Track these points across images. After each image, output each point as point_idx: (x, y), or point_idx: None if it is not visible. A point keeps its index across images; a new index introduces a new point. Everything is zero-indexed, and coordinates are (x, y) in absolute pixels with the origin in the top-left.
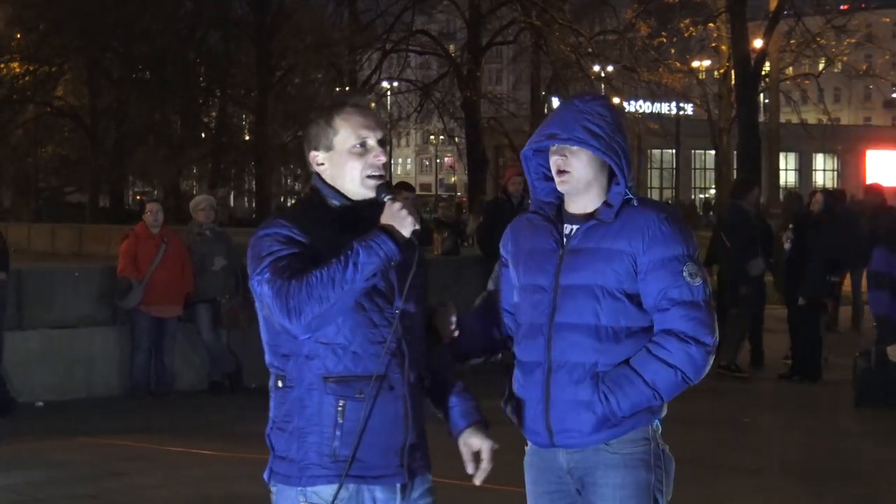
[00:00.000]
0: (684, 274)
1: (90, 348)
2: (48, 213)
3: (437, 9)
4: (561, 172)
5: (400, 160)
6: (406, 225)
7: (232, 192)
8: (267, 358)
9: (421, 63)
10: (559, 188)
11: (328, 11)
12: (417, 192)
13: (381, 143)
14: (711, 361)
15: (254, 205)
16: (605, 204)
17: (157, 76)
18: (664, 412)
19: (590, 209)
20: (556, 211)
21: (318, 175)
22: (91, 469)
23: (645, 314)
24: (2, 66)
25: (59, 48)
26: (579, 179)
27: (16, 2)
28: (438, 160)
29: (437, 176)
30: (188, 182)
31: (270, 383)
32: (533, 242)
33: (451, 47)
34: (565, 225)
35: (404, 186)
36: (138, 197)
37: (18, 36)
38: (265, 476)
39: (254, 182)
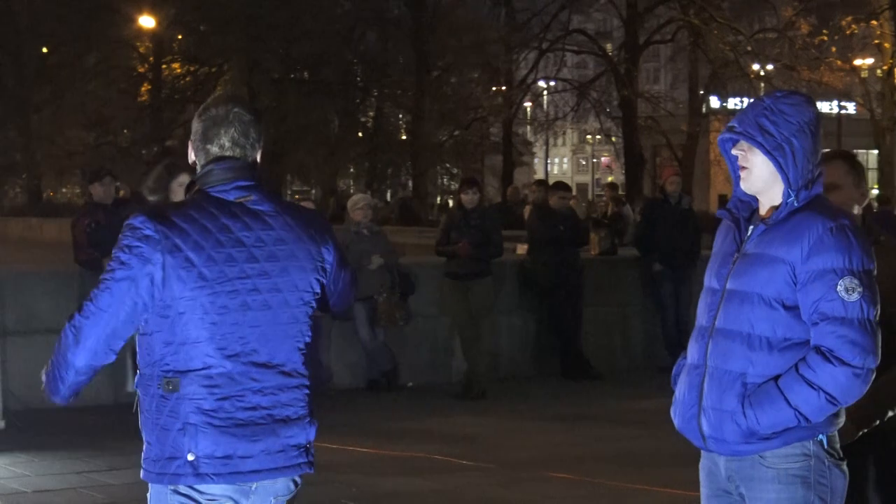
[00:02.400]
0: (839, 288)
1: None
2: None
3: (593, 8)
4: (742, 168)
5: (556, 160)
6: None
7: (388, 191)
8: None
9: (577, 62)
10: (741, 185)
11: (484, 11)
12: (574, 192)
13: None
14: (866, 383)
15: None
16: (776, 207)
17: (315, 76)
18: (838, 424)
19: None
20: (751, 211)
21: None
22: None
23: (807, 326)
24: (163, 66)
25: (219, 49)
26: (758, 177)
27: (178, 3)
28: (595, 160)
29: (593, 176)
30: (345, 181)
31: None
32: (720, 245)
33: (608, 46)
34: (750, 226)
35: (561, 186)
36: (296, 196)
37: (179, 37)
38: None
39: (410, 181)
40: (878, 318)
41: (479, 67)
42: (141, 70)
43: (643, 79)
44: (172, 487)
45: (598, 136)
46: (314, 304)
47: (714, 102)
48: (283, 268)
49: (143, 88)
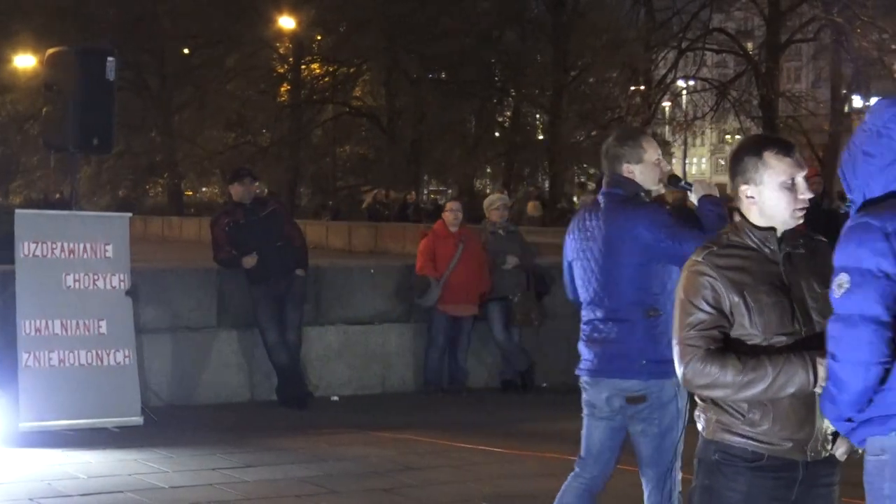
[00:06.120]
0: (834, 285)
1: (385, 344)
2: (345, 211)
3: (734, 6)
4: None
5: (695, 160)
6: None
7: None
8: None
9: (717, 61)
10: None
11: (623, 10)
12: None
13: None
14: (859, 377)
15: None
16: None
17: (454, 76)
18: None
19: None
20: None
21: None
22: (385, 463)
23: None
24: (303, 67)
25: (358, 49)
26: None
27: (318, 4)
28: None
29: None
30: (481, 181)
31: (636, 315)
32: None
33: (749, 45)
34: None
35: None
36: (433, 196)
37: (319, 37)
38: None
39: (547, 181)
40: (873, 314)
41: (617, 67)
42: (280, 70)
43: (784, 78)
44: None
45: (738, 136)
46: (640, 264)
47: (857, 102)
48: (607, 245)
49: (282, 89)
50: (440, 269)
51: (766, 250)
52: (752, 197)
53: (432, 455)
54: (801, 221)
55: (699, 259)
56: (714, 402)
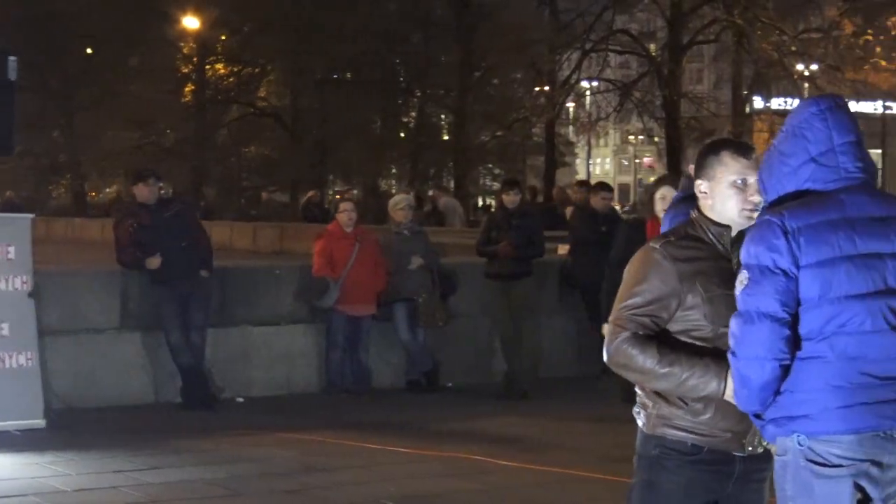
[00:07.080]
0: (737, 281)
1: (290, 345)
2: (250, 211)
3: (637, 8)
4: None
5: (598, 160)
6: None
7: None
8: None
9: (621, 62)
10: None
11: (528, 11)
12: (616, 192)
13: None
14: (756, 371)
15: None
16: None
17: (358, 77)
18: (818, 427)
19: None
20: None
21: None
22: (290, 464)
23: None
24: (207, 67)
25: (262, 50)
26: None
27: (221, 4)
28: (637, 160)
29: (636, 176)
30: (387, 181)
31: None
32: None
33: (652, 46)
34: None
35: (603, 187)
36: (338, 196)
37: (223, 38)
38: None
39: (452, 182)
40: (769, 310)
41: (522, 68)
42: (185, 70)
43: (686, 79)
44: None
45: (641, 137)
46: None
47: (758, 103)
48: None
49: (186, 89)
50: (337, 271)
51: (720, 247)
52: (706, 192)
53: (338, 456)
54: (752, 223)
55: (656, 247)
56: (657, 394)
